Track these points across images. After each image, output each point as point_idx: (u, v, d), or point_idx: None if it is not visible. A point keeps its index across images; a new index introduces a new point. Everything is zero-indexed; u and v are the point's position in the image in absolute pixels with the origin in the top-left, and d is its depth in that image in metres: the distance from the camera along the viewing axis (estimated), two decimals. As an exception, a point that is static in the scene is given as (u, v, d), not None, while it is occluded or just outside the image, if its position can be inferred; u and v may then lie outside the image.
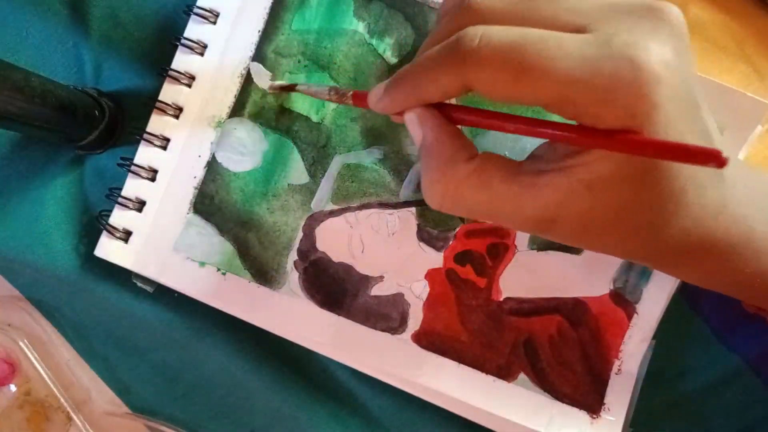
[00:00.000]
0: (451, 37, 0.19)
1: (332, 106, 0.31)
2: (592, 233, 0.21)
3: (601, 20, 0.18)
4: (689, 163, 0.16)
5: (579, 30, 0.18)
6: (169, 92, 0.31)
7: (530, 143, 0.30)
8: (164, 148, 0.31)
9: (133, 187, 0.31)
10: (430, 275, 0.31)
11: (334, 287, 0.31)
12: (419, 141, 0.22)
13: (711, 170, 0.20)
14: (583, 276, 0.31)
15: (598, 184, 0.19)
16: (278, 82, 0.31)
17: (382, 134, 0.31)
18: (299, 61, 0.31)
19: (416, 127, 0.22)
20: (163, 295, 0.32)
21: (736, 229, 0.21)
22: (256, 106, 0.31)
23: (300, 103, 0.31)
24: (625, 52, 0.17)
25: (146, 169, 0.31)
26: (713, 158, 0.15)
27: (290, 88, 0.30)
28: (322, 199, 0.31)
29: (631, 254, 0.22)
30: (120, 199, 0.31)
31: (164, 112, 0.31)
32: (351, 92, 0.25)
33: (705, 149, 0.15)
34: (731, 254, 0.22)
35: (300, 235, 0.31)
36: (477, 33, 0.18)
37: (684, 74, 0.18)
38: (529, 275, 0.31)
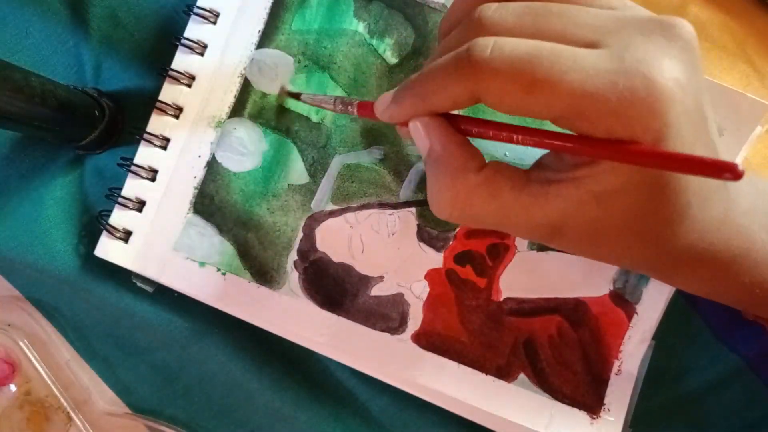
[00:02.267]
0: (461, 47, 0.19)
1: (332, 106, 0.31)
2: (598, 243, 0.21)
3: (612, 36, 0.18)
4: (704, 175, 0.16)
5: (590, 45, 0.18)
6: (169, 92, 0.31)
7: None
8: (164, 148, 0.31)
9: (133, 187, 0.31)
10: (430, 275, 0.31)
11: (334, 287, 0.31)
12: (425, 151, 0.22)
13: (716, 183, 0.20)
14: (583, 276, 0.31)
15: (606, 195, 0.19)
16: (287, 88, 0.31)
17: (382, 134, 0.31)
18: (299, 61, 0.31)
19: (422, 137, 0.21)
20: (163, 295, 0.32)
21: (737, 240, 0.21)
22: (256, 106, 0.31)
23: (300, 104, 0.31)
24: (639, 68, 0.17)
25: (146, 169, 0.31)
26: (729, 170, 0.15)
27: (296, 96, 0.30)
28: (322, 200, 0.31)
29: (635, 264, 0.22)
30: (120, 199, 0.31)
31: (164, 112, 0.31)
32: (356, 102, 0.25)
33: (721, 162, 0.15)
34: (731, 265, 0.22)
35: (300, 235, 0.31)
36: (488, 43, 0.18)
37: (695, 90, 0.18)
38: (529, 275, 0.31)
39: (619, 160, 0.18)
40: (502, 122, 0.20)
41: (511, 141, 0.20)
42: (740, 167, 0.15)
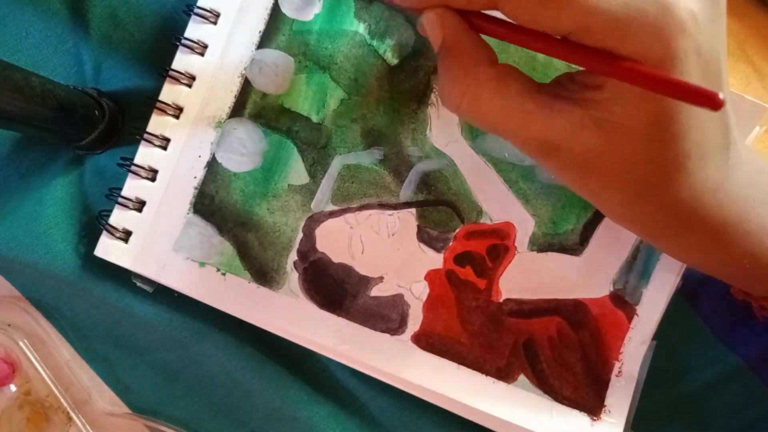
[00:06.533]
0: None
1: (333, 106, 0.31)
2: (591, 173, 0.21)
3: None
4: (685, 100, 0.16)
5: None
6: (169, 92, 0.31)
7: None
8: (164, 148, 0.31)
9: (133, 187, 0.31)
10: (430, 276, 0.31)
11: (333, 288, 0.31)
12: (438, 43, 0.22)
13: (717, 145, 0.20)
14: (582, 277, 0.31)
15: (607, 125, 0.19)
16: None
17: (383, 135, 0.31)
18: (300, 62, 0.31)
19: (435, 28, 0.22)
20: (163, 295, 0.32)
21: (730, 208, 0.21)
22: (256, 106, 0.31)
23: (300, 104, 0.31)
24: None
25: (146, 169, 0.31)
26: (708, 99, 0.15)
27: None
28: (322, 200, 0.31)
29: (625, 211, 0.22)
30: (120, 199, 0.31)
31: (164, 112, 0.31)
32: None
33: (702, 89, 0.15)
34: (723, 233, 0.22)
35: (300, 235, 0.31)
36: None
37: (712, 32, 0.18)
38: (528, 276, 0.31)
39: (611, 75, 0.18)
40: (514, 23, 0.20)
41: (517, 42, 0.20)
42: (721, 96, 0.15)
